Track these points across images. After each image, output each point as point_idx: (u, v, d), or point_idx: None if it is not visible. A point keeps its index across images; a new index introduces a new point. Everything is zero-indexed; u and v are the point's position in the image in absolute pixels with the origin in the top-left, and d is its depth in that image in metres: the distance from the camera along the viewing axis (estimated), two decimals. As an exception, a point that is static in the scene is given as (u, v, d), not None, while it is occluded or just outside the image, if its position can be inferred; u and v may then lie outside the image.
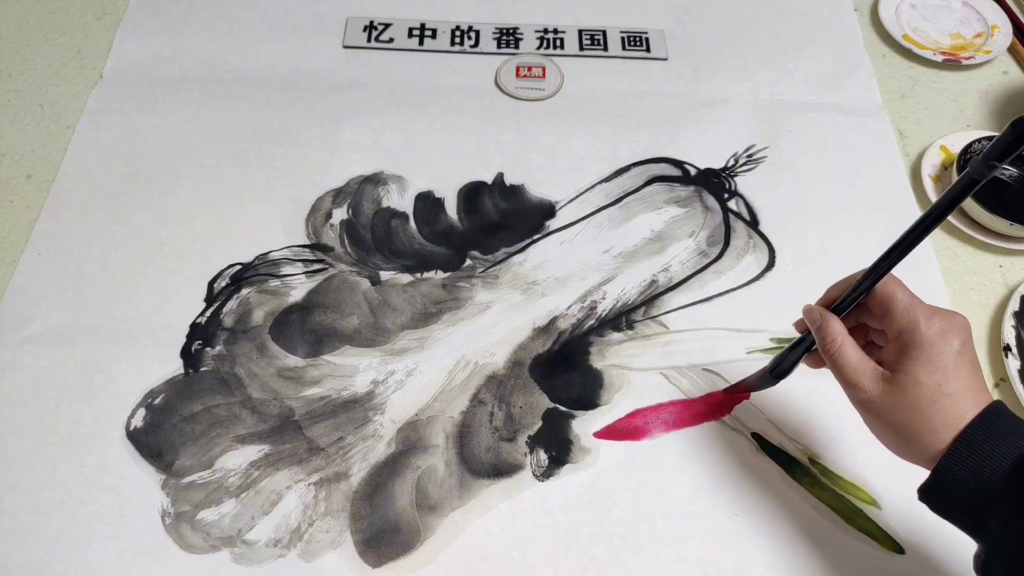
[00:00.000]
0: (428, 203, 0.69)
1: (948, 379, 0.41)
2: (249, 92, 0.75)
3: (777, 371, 0.52)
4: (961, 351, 0.42)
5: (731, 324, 0.62)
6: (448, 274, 0.65)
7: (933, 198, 0.69)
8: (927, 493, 0.42)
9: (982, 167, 0.39)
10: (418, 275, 0.64)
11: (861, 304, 0.45)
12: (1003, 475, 0.39)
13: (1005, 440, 0.40)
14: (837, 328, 0.45)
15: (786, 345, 0.51)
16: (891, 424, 0.42)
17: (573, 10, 0.83)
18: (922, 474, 0.42)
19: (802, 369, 0.51)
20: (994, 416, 0.41)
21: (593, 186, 0.70)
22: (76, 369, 0.58)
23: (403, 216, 0.68)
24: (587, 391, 0.59)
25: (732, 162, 0.72)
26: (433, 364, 0.60)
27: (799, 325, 0.49)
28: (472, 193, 0.69)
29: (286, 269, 0.64)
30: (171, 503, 0.53)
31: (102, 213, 0.66)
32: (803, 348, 0.49)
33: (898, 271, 0.56)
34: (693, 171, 0.71)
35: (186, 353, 0.59)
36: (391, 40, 0.80)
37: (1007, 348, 0.61)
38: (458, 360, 0.60)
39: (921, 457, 0.42)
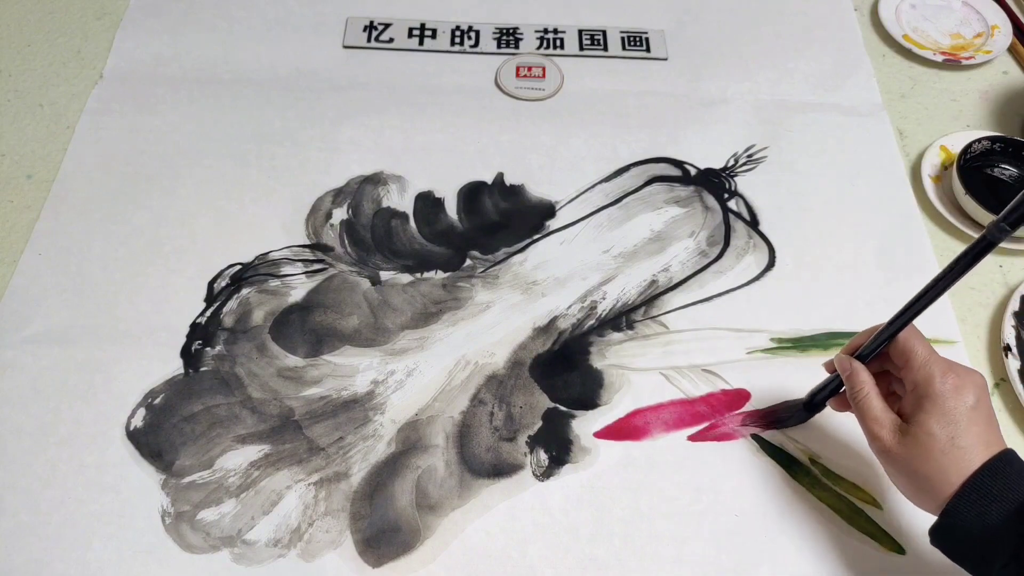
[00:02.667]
0: (428, 203, 0.69)
1: (961, 433, 0.43)
2: (249, 92, 0.75)
3: (811, 405, 0.54)
4: (975, 407, 0.43)
5: (731, 324, 0.62)
6: (448, 274, 0.65)
7: (933, 198, 0.69)
8: (936, 533, 0.44)
9: (997, 231, 0.40)
10: (418, 275, 0.64)
11: (883, 353, 0.47)
12: (1007, 518, 0.40)
13: (1013, 485, 0.41)
14: (864, 378, 0.47)
15: (789, 344, 0.51)
16: (907, 473, 0.44)
17: (573, 10, 0.83)
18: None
19: (801, 370, 0.52)
20: (1005, 462, 0.42)
21: (593, 186, 0.70)
22: (76, 369, 0.58)
23: (403, 216, 0.68)
24: (587, 391, 0.59)
25: (732, 162, 0.72)
26: (433, 364, 0.60)
27: (828, 367, 0.52)
28: (472, 193, 0.69)
29: (286, 269, 0.64)
30: (171, 503, 0.53)
31: (102, 213, 0.66)
32: (833, 386, 0.51)
33: (899, 272, 0.56)
34: (693, 171, 0.71)
35: (186, 353, 0.59)
36: (391, 40, 0.80)
37: (1007, 348, 0.61)
38: (458, 360, 0.60)
39: (934, 505, 0.43)
